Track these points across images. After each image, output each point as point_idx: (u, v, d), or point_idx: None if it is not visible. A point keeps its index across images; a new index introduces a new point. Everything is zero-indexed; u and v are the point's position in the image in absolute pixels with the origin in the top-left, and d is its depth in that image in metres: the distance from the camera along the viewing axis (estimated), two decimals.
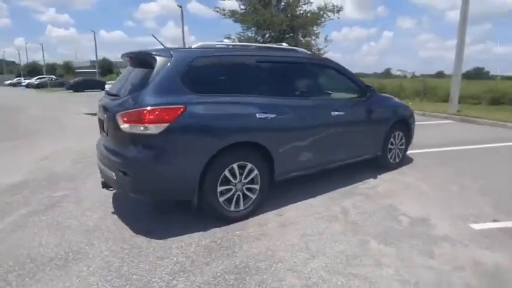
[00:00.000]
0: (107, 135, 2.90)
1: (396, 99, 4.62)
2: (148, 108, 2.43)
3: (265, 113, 2.92)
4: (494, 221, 2.84)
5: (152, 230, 2.71)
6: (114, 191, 3.48)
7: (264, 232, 2.72)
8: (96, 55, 43.19)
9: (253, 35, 16.94)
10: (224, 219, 2.82)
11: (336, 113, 3.50)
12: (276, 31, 16.00)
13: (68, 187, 3.83)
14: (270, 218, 2.97)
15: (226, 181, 2.78)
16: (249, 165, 2.87)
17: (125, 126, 2.49)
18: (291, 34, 16.52)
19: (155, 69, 2.57)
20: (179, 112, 2.49)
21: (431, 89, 13.76)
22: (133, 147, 2.50)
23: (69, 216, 3.02)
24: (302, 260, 2.30)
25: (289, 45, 3.86)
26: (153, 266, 2.23)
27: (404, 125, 4.44)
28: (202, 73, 2.74)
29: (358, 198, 3.43)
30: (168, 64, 2.59)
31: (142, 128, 2.43)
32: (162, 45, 3.23)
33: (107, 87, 24.36)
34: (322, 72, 3.65)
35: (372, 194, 3.57)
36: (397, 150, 4.41)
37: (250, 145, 2.88)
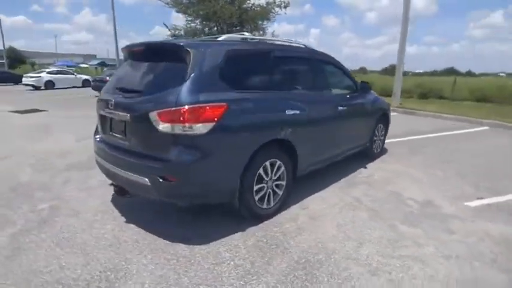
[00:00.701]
0: (125, 136, 2.58)
1: (376, 94, 5.05)
2: (190, 106, 2.23)
3: (292, 109, 2.94)
4: (480, 198, 3.37)
5: (187, 237, 2.53)
6: (113, 198, 3.14)
7: (300, 226, 2.76)
8: (4, 44, 36.72)
9: (199, 27, 16.44)
10: (258, 217, 2.79)
11: (341, 107, 3.70)
12: (225, 24, 15.78)
13: (48, 198, 3.28)
14: (296, 213, 3.01)
15: (259, 179, 2.73)
16: (278, 162, 2.87)
17: (164, 126, 2.25)
18: (239, 27, 16.49)
19: (190, 63, 2.36)
20: (223, 110, 2.35)
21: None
22: (176, 150, 2.27)
23: (75, 231, 2.62)
24: (353, 248, 2.42)
25: None
26: (214, 273, 2.10)
27: (385, 117, 4.90)
28: (236, 68, 2.60)
29: (363, 187, 3.69)
30: (205, 58, 2.40)
31: (186, 127, 2.23)
32: (173, 35, 2.97)
33: (24, 80, 20.97)
34: (328, 68, 3.79)
35: (372, 182, 3.88)
36: (379, 141, 4.85)
37: (279, 142, 2.88)
